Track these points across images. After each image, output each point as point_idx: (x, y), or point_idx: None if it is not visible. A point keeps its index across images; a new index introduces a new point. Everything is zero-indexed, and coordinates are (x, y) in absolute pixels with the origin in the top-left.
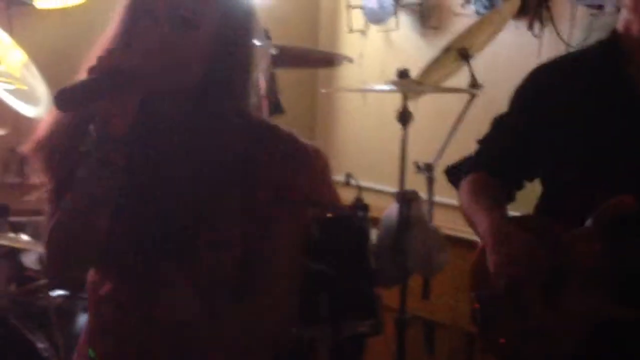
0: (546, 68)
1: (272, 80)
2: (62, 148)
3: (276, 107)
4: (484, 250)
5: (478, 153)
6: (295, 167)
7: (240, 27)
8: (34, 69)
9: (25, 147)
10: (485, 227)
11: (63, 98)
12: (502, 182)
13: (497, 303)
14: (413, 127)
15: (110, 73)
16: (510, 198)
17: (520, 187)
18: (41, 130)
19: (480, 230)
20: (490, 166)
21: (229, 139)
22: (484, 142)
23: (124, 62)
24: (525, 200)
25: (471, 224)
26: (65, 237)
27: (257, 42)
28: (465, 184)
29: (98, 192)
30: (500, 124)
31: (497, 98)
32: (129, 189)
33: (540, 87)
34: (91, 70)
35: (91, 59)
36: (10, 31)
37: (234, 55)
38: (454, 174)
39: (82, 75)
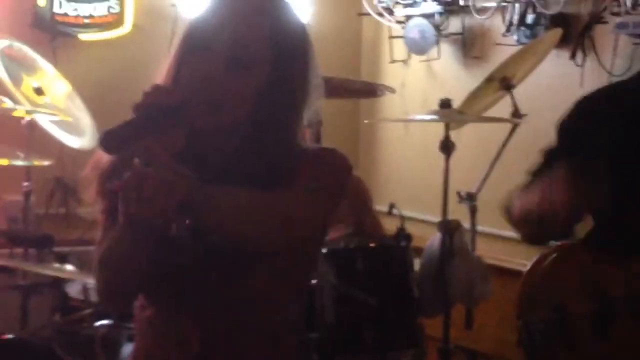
0: (591, 98)
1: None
2: (115, 175)
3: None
4: (531, 275)
5: (529, 184)
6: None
7: (296, 67)
8: (78, 100)
9: (83, 172)
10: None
11: (108, 141)
12: None
13: (546, 331)
14: (455, 157)
15: (156, 110)
16: (568, 234)
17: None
18: (97, 155)
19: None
20: None
21: (275, 166)
22: (535, 175)
23: (169, 99)
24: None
25: (525, 212)
26: (113, 264)
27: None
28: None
29: (144, 221)
30: (549, 156)
31: (539, 127)
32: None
33: (587, 118)
34: (136, 107)
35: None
36: (55, 63)
37: (286, 94)
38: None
39: (127, 110)
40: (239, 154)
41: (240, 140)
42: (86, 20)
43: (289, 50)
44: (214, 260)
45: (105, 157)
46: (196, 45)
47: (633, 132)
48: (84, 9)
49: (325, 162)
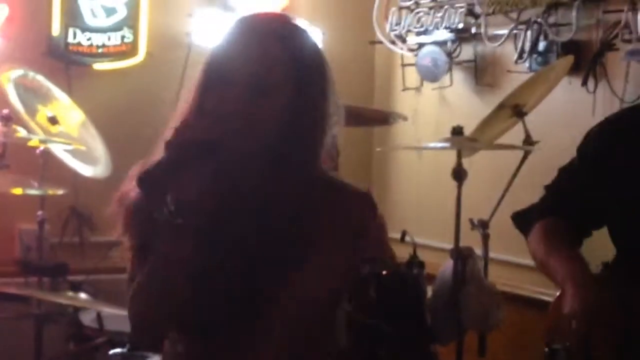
0: (614, 121)
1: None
2: (143, 211)
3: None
4: (558, 302)
5: (545, 198)
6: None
7: (316, 91)
8: (92, 129)
9: (109, 208)
10: (565, 272)
11: (146, 181)
12: (571, 226)
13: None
14: (468, 184)
15: (188, 146)
16: (579, 244)
17: (587, 234)
18: (124, 189)
19: (559, 275)
20: (559, 211)
21: (298, 193)
22: (551, 189)
23: (200, 133)
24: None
25: (546, 268)
26: (147, 299)
27: (333, 102)
28: (537, 228)
29: (175, 255)
30: (566, 172)
31: (551, 154)
32: (205, 251)
33: (605, 142)
34: (168, 145)
35: (169, 129)
36: (69, 92)
37: (309, 118)
38: (522, 219)
39: (142, 138)
40: (264, 180)
41: (265, 166)
42: (100, 50)
43: (308, 75)
44: (245, 296)
45: (131, 192)
46: (218, 75)
47: None
48: (98, 39)
49: (352, 211)
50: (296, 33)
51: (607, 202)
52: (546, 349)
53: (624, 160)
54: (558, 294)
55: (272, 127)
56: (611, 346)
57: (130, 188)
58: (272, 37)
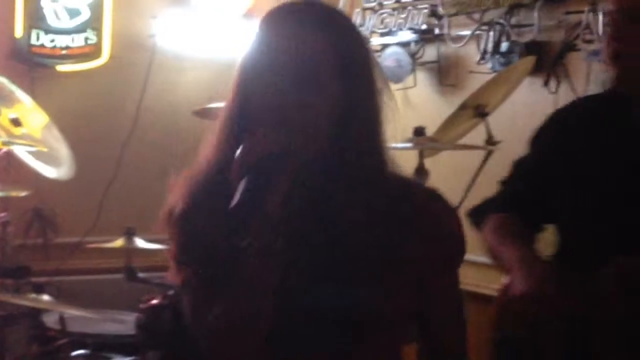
0: (562, 111)
1: None
2: (210, 239)
3: None
4: (503, 293)
5: (499, 193)
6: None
7: (367, 79)
8: (55, 131)
9: (156, 226)
10: (516, 256)
11: (238, 212)
12: (523, 219)
13: (516, 349)
14: (430, 184)
15: (264, 162)
16: (532, 236)
17: (539, 228)
18: (170, 203)
19: (509, 260)
20: (512, 206)
21: (374, 201)
22: (505, 184)
23: (272, 147)
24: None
25: (498, 256)
26: (230, 328)
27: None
28: (490, 222)
29: (262, 280)
30: (519, 166)
31: (513, 154)
32: (290, 275)
33: (557, 130)
34: (244, 167)
35: (210, 146)
36: (33, 94)
37: (365, 112)
38: (476, 214)
39: (104, 140)
40: (337, 190)
41: (335, 172)
42: (63, 52)
43: (356, 62)
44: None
45: (177, 206)
46: (260, 70)
47: (596, 144)
48: (61, 41)
49: (435, 218)
50: (339, 19)
51: (558, 191)
52: (490, 338)
53: (574, 149)
54: (506, 281)
55: (329, 126)
56: (557, 333)
57: (176, 201)
58: (316, 25)
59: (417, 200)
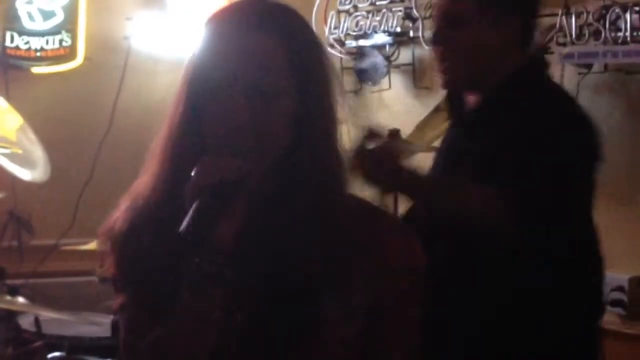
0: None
1: None
2: (136, 246)
3: None
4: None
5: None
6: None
7: (322, 86)
8: (30, 133)
9: (98, 244)
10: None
11: (187, 236)
12: None
13: None
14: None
15: (217, 187)
16: None
17: None
18: (110, 221)
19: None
20: None
21: (330, 223)
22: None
23: (226, 172)
24: None
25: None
26: (170, 357)
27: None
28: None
29: (208, 309)
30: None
31: None
32: (235, 298)
33: None
34: (195, 191)
35: (157, 147)
36: (7, 96)
37: (320, 122)
38: None
39: (80, 142)
40: (274, 202)
41: (274, 186)
42: (38, 54)
43: (311, 66)
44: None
45: (117, 224)
46: (208, 83)
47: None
48: (36, 43)
49: (393, 251)
50: (288, 17)
51: None
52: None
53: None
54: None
55: (283, 140)
56: None
57: (116, 219)
58: (263, 26)
59: (374, 230)
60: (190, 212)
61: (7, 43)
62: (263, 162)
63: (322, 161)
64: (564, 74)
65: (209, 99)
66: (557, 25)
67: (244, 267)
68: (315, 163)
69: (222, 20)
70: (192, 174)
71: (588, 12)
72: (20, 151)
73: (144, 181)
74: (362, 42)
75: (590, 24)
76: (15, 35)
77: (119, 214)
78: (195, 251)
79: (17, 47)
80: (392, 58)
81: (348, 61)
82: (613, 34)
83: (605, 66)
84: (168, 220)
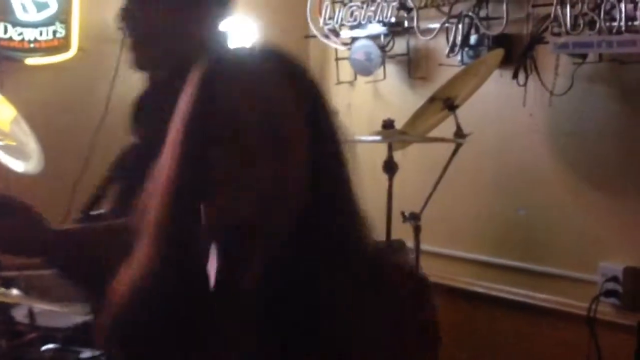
0: None
1: None
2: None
3: None
4: None
5: None
6: None
7: (331, 133)
8: (24, 125)
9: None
10: None
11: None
12: None
13: None
14: (400, 177)
15: (234, 234)
16: None
17: None
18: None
19: None
20: None
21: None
22: None
23: (240, 216)
24: None
25: None
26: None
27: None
28: None
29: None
30: None
31: (483, 147)
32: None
33: None
34: (212, 235)
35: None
36: (1, 87)
37: (333, 172)
38: None
39: (74, 133)
40: (292, 253)
41: (291, 237)
42: (32, 45)
43: (320, 114)
44: None
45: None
46: (214, 134)
47: None
48: (30, 34)
49: (409, 307)
50: (295, 66)
51: None
52: None
53: None
54: None
55: (300, 190)
56: None
57: (116, 312)
58: (273, 75)
59: (390, 283)
60: (212, 266)
61: (1, 34)
62: (280, 217)
63: (339, 219)
64: (558, 63)
65: (219, 149)
66: (552, 15)
67: (268, 321)
68: (332, 221)
69: (231, 74)
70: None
71: (583, 2)
72: (14, 143)
73: (138, 261)
74: (357, 33)
75: (585, 14)
76: (9, 26)
77: (117, 304)
78: (220, 311)
79: (10, 39)
80: (387, 48)
81: (343, 52)
82: (608, 24)
83: (600, 56)
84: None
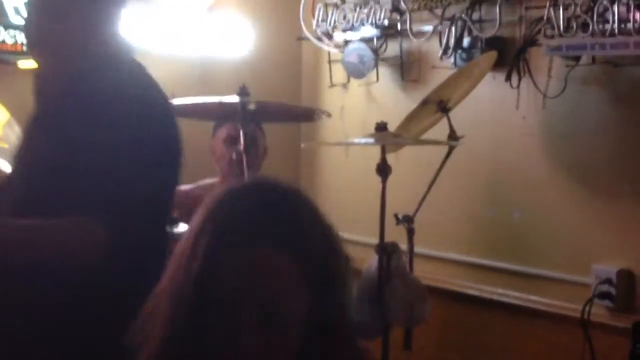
0: None
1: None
2: None
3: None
4: None
5: None
6: None
7: (337, 308)
8: (17, 128)
9: None
10: None
11: None
12: None
13: None
14: (393, 179)
15: None
16: None
17: None
18: None
19: None
20: None
21: None
22: None
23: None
24: None
25: None
26: None
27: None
28: None
29: None
30: None
31: (476, 149)
32: None
33: None
34: None
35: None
36: None
37: (335, 324)
38: None
39: None
40: None
41: None
42: (25, 48)
43: (326, 282)
44: None
45: None
46: (210, 303)
47: None
48: (23, 37)
49: None
50: (302, 210)
51: None
52: None
53: None
54: None
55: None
56: None
57: None
58: (275, 240)
59: None
60: None
61: None
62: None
63: None
64: (552, 66)
65: (213, 318)
66: (545, 17)
67: None
68: None
69: (227, 220)
70: None
71: (576, 4)
72: (7, 146)
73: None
74: (350, 35)
75: (578, 16)
76: (2, 29)
77: None
78: None
79: (3, 42)
80: (380, 51)
81: (336, 54)
82: (601, 26)
83: (593, 58)
84: None
